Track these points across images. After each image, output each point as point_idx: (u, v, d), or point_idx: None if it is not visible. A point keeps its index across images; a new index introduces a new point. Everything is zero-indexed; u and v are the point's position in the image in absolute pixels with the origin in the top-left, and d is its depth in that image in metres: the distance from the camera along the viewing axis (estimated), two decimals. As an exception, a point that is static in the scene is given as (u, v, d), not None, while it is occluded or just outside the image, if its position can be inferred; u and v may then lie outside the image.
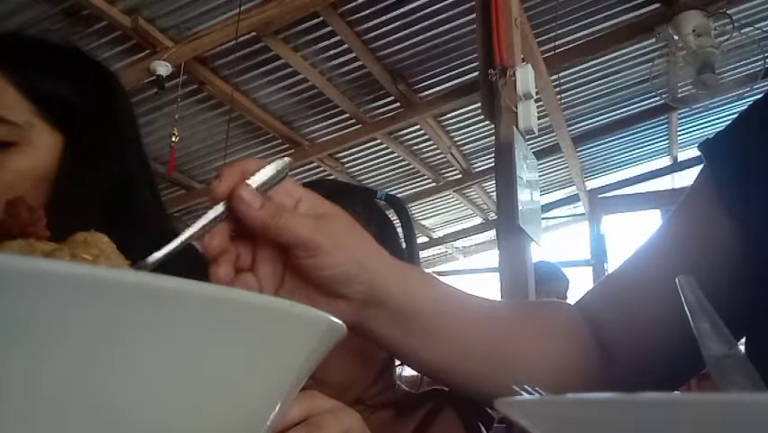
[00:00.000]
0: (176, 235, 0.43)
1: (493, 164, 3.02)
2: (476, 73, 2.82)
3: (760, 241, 0.54)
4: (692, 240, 0.61)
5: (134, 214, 0.82)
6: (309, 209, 0.50)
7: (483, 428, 0.71)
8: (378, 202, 0.80)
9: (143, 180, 0.86)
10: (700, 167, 0.63)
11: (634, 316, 0.61)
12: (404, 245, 0.80)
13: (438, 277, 0.61)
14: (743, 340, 0.55)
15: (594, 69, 4.37)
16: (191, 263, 0.41)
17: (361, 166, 5.21)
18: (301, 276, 0.50)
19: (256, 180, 0.47)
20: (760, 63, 3.79)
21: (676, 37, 3.55)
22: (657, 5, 3.74)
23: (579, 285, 3.67)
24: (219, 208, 0.46)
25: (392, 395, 0.76)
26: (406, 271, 0.56)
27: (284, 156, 0.51)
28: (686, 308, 0.33)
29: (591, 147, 5.60)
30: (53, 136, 0.78)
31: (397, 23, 3.59)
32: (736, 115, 0.62)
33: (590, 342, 0.62)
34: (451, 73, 4.08)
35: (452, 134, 4.95)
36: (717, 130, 0.62)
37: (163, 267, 0.40)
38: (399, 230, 0.81)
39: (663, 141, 5.77)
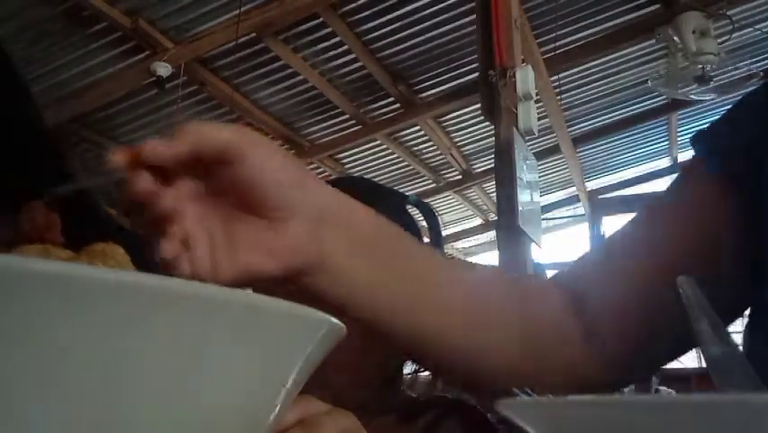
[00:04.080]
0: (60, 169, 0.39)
1: (493, 165, 3.02)
2: (476, 74, 2.83)
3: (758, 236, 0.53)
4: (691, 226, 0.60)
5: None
6: None
7: None
8: (408, 208, 0.79)
9: (21, 118, 0.83)
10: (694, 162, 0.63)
11: (619, 286, 0.58)
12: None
13: None
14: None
15: (594, 69, 4.37)
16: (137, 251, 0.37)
17: (361, 167, 5.21)
18: (236, 219, 0.41)
19: None
20: (746, 69, 3.81)
21: (676, 38, 3.55)
22: (657, 6, 3.75)
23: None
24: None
25: (395, 401, 0.75)
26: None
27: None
28: (686, 309, 0.33)
29: (591, 148, 5.61)
30: None
31: (397, 24, 3.59)
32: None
33: (569, 312, 0.58)
34: (451, 74, 4.09)
35: (452, 135, 4.95)
36: (711, 121, 0.62)
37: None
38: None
39: (663, 142, 5.77)
